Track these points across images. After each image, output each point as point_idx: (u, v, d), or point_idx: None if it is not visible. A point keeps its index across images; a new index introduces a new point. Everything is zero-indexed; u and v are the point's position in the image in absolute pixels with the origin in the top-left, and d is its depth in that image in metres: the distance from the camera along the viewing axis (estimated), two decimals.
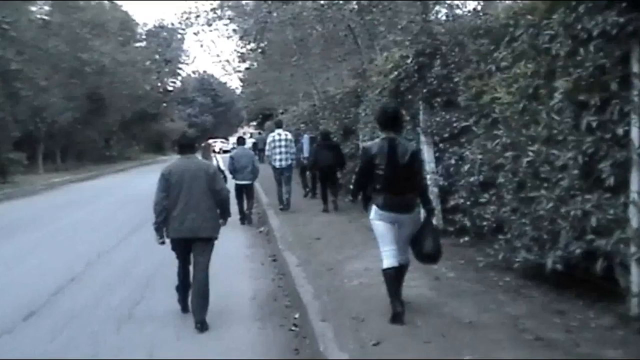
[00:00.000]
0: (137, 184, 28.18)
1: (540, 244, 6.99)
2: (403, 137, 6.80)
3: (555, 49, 6.56)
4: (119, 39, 49.75)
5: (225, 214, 7.56)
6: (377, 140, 6.61)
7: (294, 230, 13.22)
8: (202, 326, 7.04)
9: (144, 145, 68.86)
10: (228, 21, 25.90)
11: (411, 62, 11.35)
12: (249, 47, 28.08)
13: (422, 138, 11.32)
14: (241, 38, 27.95)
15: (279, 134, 16.33)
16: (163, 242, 7.38)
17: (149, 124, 65.24)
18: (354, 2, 16.95)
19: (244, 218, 15.26)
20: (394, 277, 6.45)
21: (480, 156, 8.59)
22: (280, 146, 16.14)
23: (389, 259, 6.46)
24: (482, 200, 8.57)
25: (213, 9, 25.19)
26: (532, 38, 7.19)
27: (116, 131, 53.44)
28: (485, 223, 8.59)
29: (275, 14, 20.82)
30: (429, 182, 10.31)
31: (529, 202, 7.16)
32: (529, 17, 7.31)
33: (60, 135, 39.89)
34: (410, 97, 11.72)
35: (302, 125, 27.95)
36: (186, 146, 7.44)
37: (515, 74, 7.44)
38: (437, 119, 10.79)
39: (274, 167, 16.34)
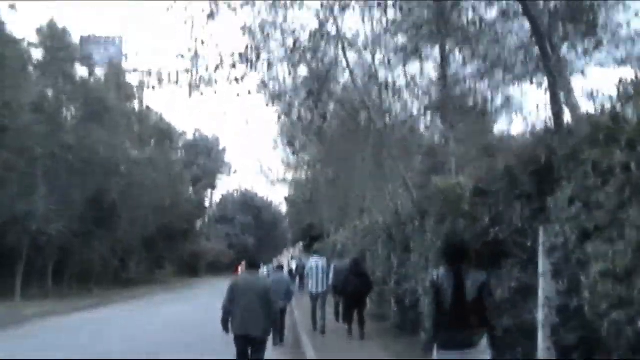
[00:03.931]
0: (149, 321, 21.82)
1: None
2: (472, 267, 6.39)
3: None
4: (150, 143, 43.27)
5: (273, 318, 9.72)
6: (442, 269, 6.47)
7: None
8: None
9: (174, 267, 60.72)
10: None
11: None
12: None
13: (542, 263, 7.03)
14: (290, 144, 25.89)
15: (316, 262, 17.73)
16: (227, 332, 9.32)
17: (180, 241, 57.13)
18: None
19: (276, 337, 14.97)
20: None
21: None
22: (317, 273, 17.26)
23: None
24: None
25: None
26: None
27: (136, 248, 45.07)
28: None
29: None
30: None
31: None
32: None
33: (50, 250, 31.32)
34: None
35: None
36: (252, 265, 9.90)
37: None
38: None
39: (310, 293, 17.42)
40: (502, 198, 8.53)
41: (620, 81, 6.36)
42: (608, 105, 6.43)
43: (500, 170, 8.78)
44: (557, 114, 9.82)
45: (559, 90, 9.98)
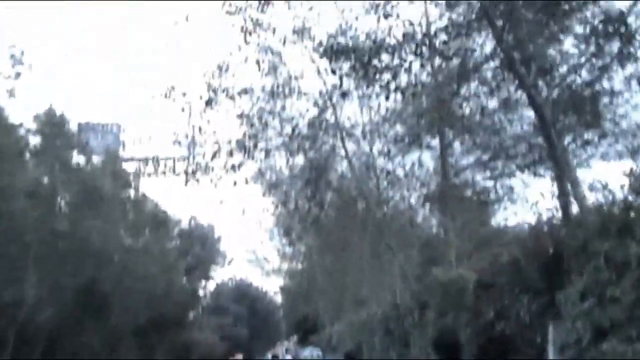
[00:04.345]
0: None
1: None
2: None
3: None
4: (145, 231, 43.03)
5: None
6: None
7: None
8: None
9: (166, 357, 58.98)
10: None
11: None
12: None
13: None
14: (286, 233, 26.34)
15: (311, 352, 19.84)
16: None
17: (173, 332, 55.70)
18: None
19: None
20: None
21: None
22: None
23: None
24: None
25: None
26: None
27: (127, 339, 43.85)
28: None
29: None
30: None
31: None
32: None
33: (39, 339, 30.43)
34: None
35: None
36: None
37: None
38: None
39: None
40: (508, 291, 8.16)
41: (631, 172, 6.14)
42: (617, 196, 6.20)
43: (504, 262, 8.43)
44: (565, 205, 9.52)
45: (565, 181, 9.75)
